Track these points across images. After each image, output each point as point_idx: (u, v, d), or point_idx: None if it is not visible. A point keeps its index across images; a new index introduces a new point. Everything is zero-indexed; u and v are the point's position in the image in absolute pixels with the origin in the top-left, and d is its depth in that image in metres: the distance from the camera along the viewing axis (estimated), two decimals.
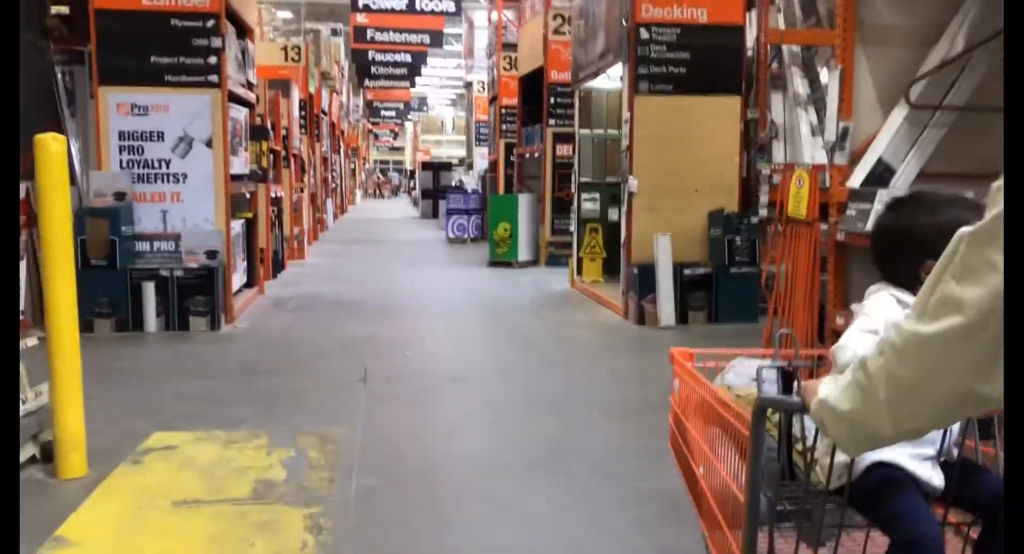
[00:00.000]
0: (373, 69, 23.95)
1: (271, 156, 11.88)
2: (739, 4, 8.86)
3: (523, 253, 13.96)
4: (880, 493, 1.95)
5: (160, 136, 8.07)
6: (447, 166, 29.46)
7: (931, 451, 2.03)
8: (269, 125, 11.95)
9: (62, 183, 4.10)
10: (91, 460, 4.27)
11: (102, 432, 4.72)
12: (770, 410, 1.98)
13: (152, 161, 8.08)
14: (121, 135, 8.05)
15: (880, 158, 4.81)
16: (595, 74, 10.49)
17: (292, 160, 14.55)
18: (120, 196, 7.96)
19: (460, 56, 30.82)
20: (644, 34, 8.65)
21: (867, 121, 4.96)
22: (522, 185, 15.52)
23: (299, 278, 12.20)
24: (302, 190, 15.84)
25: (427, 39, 21.99)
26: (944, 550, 1.89)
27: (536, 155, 14.52)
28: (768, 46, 8.73)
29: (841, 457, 1.93)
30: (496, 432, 5.22)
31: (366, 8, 18.39)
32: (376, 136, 58.36)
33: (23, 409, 4.28)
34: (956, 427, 2.03)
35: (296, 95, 15.58)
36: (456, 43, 30.26)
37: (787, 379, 2.03)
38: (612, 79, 10.62)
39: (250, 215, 9.96)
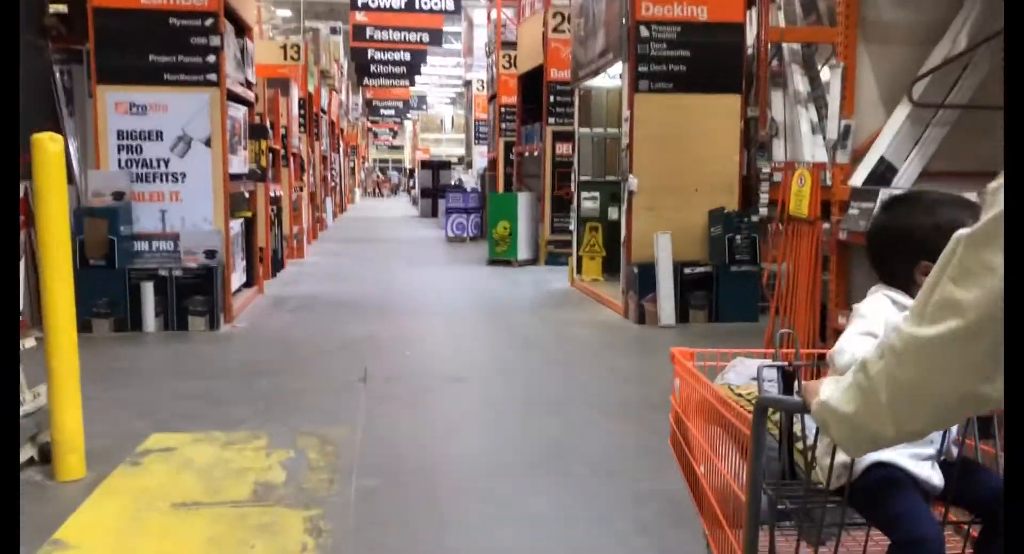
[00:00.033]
0: (372, 67, 23.91)
1: (270, 155, 11.85)
2: (739, 2, 8.83)
3: (522, 252, 13.93)
4: (880, 493, 1.95)
5: (159, 135, 8.04)
6: (446, 165, 29.44)
7: (930, 451, 2.02)
8: (268, 124, 11.92)
9: (59, 183, 4.08)
10: (89, 461, 4.25)
11: (101, 433, 4.69)
12: (771, 409, 1.99)
13: (151, 160, 8.06)
14: (119, 134, 8.02)
15: (882, 157, 4.79)
16: (595, 72, 10.46)
17: (291, 159, 14.52)
18: (119, 196, 7.93)
19: (459, 54, 30.80)
20: (644, 32, 8.62)
21: (869, 119, 4.94)
22: (521, 184, 15.49)
23: (298, 277, 12.17)
24: (301, 189, 15.82)
25: (426, 37, 21.96)
26: (944, 550, 1.88)
27: (536, 154, 14.50)
28: (768, 44, 8.70)
29: (841, 457, 1.93)
30: (496, 432, 5.20)
31: (365, 6, 18.36)
32: (375, 134, 58.34)
33: (21, 410, 4.25)
34: (956, 426, 2.03)
35: (295, 94, 15.55)
36: (455, 41, 30.24)
37: (788, 379, 2.06)
38: (612, 77, 10.60)
39: (249, 214, 9.93)
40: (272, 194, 11.79)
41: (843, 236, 4.74)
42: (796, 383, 2.07)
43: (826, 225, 4.95)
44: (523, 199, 14.09)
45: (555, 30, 13.24)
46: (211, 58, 8.07)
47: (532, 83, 14.63)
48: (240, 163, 9.18)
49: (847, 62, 4.82)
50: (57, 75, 8.57)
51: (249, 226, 9.91)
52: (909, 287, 1.99)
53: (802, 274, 5.17)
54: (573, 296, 10.70)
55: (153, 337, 7.76)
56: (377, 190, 53.76)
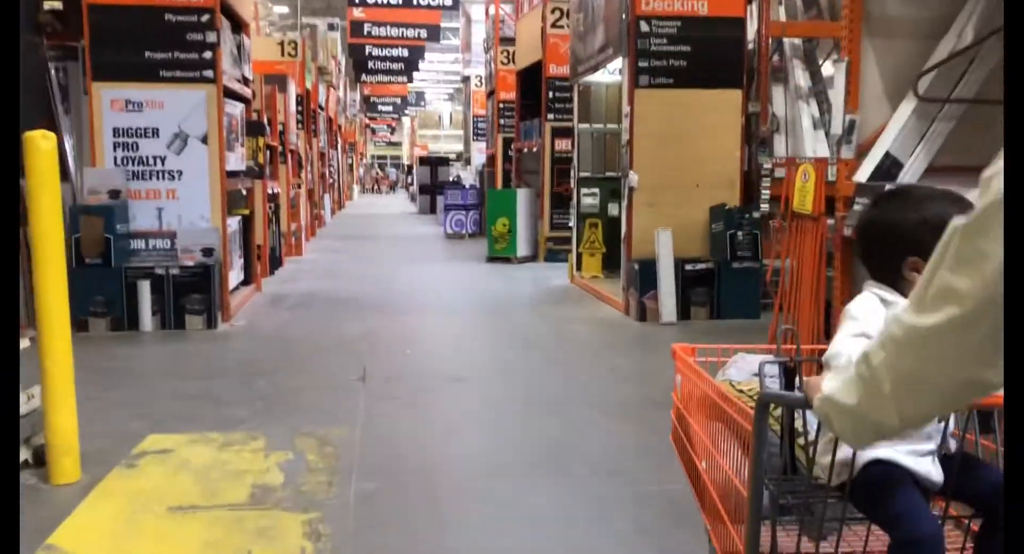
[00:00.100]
0: (370, 64, 23.82)
1: (267, 152, 11.78)
2: None
3: (522, 249, 13.87)
4: (879, 491, 1.95)
5: (155, 132, 7.97)
6: (445, 161, 29.38)
7: (929, 447, 2.01)
8: (265, 121, 11.85)
9: (52, 181, 4.01)
10: (85, 464, 4.19)
11: (96, 434, 4.64)
12: (772, 405, 1.98)
13: (147, 158, 7.99)
14: (115, 132, 7.95)
15: (887, 152, 4.73)
16: (594, 68, 10.39)
17: (289, 156, 14.45)
18: (115, 194, 7.86)
19: (457, 50, 30.71)
20: (644, 27, 8.55)
21: (874, 114, 4.88)
22: (520, 180, 15.43)
23: (296, 275, 12.11)
24: (299, 186, 15.75)
25: (424, 33, 21.87)
26: (944, 550, 1.88)
27: (534, 150, 14.43)
28: (769, 39, 8.64)
29: (841, 455, 1.93)
30: (496, 432, 5.14)
31: (363, 3, 18.30)
32: (373, 131, 58.26)
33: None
34: (954, 421, 2.03)
35: (293, 90, 15.48)
36: (453, 37, 30.14)
37: (789, 375, 2.06)
38: (611, 73, 10.53)
39: (247, 212, 9.87)
40: (270, 191, 11.72)
41: (848, 232, 4.68)
42: (798, 379, 2.07)
43: (830, 221, 4.89)
44: (522, 195, 14.03)
45: (554, 25, 13.16)
46: (207, 54, 8.00)
47: (531, 79, 14.56)
48: (237, 160, 9.11)
49: (852, 56, 4.76)
50: (52, 72, 8.50)
51: (247, 223, 9.85)
52: (898, 283, 1.98)
53: (806, 271, 5.11)
54: (573, 293, 10.64)
55: (150, 336, 7.70)
56: (376, 187, 53.65)
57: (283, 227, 13.19)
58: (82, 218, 7.64)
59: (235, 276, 9.14)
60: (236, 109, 9.09)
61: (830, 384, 1.50)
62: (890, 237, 2.01)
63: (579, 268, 11.41)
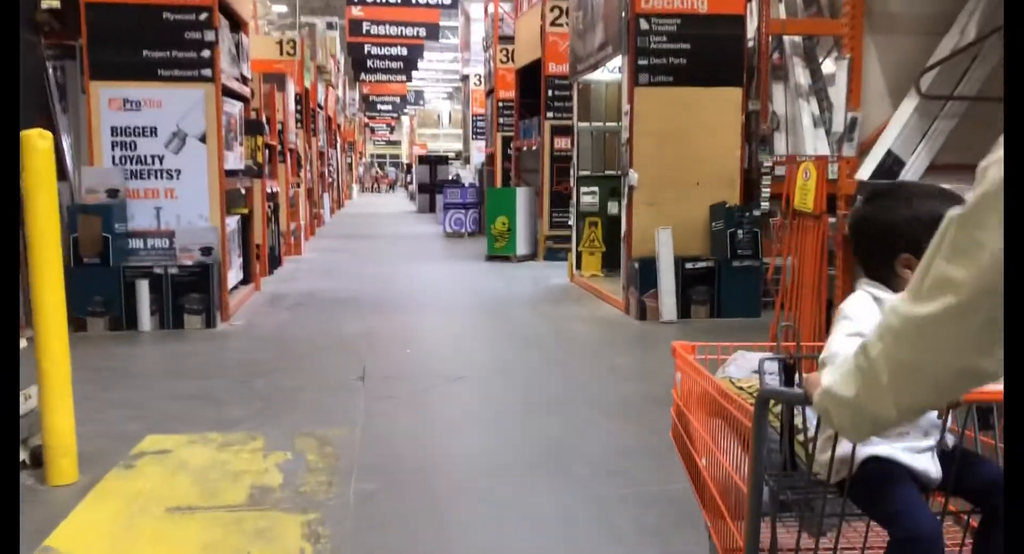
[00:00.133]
0: (369, 62, 23.80)
1: (266, 151, 11.75)
2: None
3: (521, 247, 13.84)
4: (877, 488, 1.95)
5: (153, 131, 7.94)
6: (444, 160, 29.35)
7: (927, 443, 2.02)
8: (264, 120, 11.82)
9: (49, 180, 3.98)
10: (82, 464, 4.16)
11: (94, 435, 4.62)
12: (772, 402, 1.99)
13: (145, 157, 7.96)
14: (113, 131, 7.92)
15: (889, 150, 4.70)
16: (594, 66, 10.36)
17: (288, 155, 14.42)
18: (113, 193, 7.83)
19: (456, 49, 30.67)
20: (644, 25, 8.52)
21: (876, 111, 4.85)
22: (520, 179, 15.40)
23: (296, 274, 12.08)
24: (298, 185, 15.71)
25: (423, 32, 21.84)
26: (943, 546, 1.88)
27: (534, 148, 14.40)
28: (769, 36, 8.61)
29: (839, 452, 1.93)
30: (496, 431, 5.11)
31: (361, 1, 18.25)
32: (372, 130, 58.21)
33: None
34: (951, 416, 2.04)
35: (292, 89, 15.44)
36: (452, 36, 30.10)
37: (789, 371, 2.06)
38: (611, 71, 10.50)
39: (245, 211, 9.84)
40: (269, 190, 11.69)
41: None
42: (797, 375, 2.07)
43: (832, 219, 4.87)
44: (521, 194, 14.00)
45: (553, 24, 13.13)
46: (206, 53, 7.96)
47: (530, 77, 14.53)
48: (236, 159, 9.08)
49: (853, 53, 4.73)
50: (50, 71, 8.46)
51: (245, 223, 9.82)
52: (890, 280, 1.99)
53: (808, 269, 5.09)
54: (573, 292, 10.61)
55: (148, 336, 7.67)
56: (375, 185, 53.59)
57: (282, 226, 13.16)
58: (80, 217, 7.61)
59: (234, 275, 9.11)
60: (235, 108, 9.06)
61: (829, 377, 1.51)
62: (882, 234, 2.02)
63: (579, 267, 11.38)
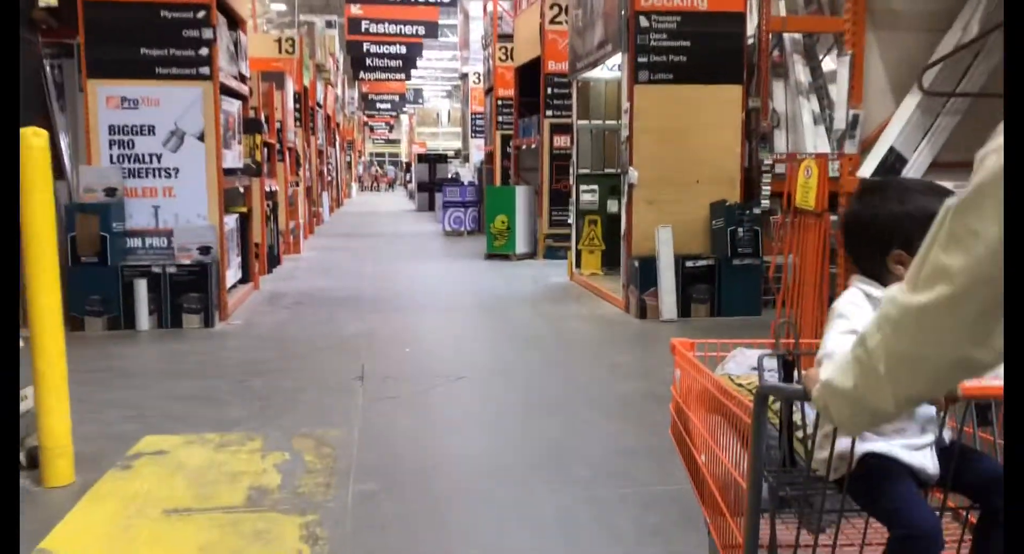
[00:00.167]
0: (368, 61, 23.77)
1: (265, 149, 11.71)
2: None
3: (521, 246, 13.81)
4: (876, 485, 1.95)
5: (151, 130, 7.90)
6: (443, 158, 29.30)
7: (925, 440, 2.02)
8: (263, 118, 11.77)
9: (44, 179, 3.94)
10: (79, 466, 4.12)
11: (91, 435, 4.59)
12: (771, 398, 2.01)
13: (143, 155, 7.92)
14: (111, 129, 7.88)
15: (892, 147, 4.67)
16: (593, 64, 10.32)
17: (287, 153, 14.38)
18: (111, 191, 7.79)
19: (455, 48, 30.62)
20: (644, 22, 8.48)
21: (877, 108, 4.82)
22: (519, 177, 15.36)
23: (294, 273, 12.05)
24: (297, 184, 15.67)
25: (422, 30, 21.81)
26: (943, 542, 1.87)
27: (533, 147, 14.36)
28: (769, 34, 8.59)
29: (838, 449, 1.94)
30: (496, 432, 5.08)
31: None
32: (371, 129, 58.16)
33: None
34: (946, 412, 2.03)
35: (291, 88, 15.40)
36: (451, 35, 30.06)
37: (788, 368, 2.11)
38: (611, 69, 10.47)
39: (244, 209, 9.80)
40: (268, 189, 11.65)
41: None
42: (796, 372, 2.09)
43: (834, 217, 4.83)
44: (521, 192, 13.96)
45: (552, 21, 13.09)
46: (204, 51, 7.92)
47: (529, 75, 14.49)
48: (234, 158, 9.04)
49: (855, 50, 4.69)
50: (47, 69, 8.43)
51: (244, 221, 9.78)
52: (882, 276, 1.99)
53: (809, 267, 5.05)
54: (572, 290, 10.58)
55: (147, 335, 7.63)
56: (375, 184, 53.53)
57: (281, 225, 13.13)
58: (78, 216, 7.57)
59: (233, 274, 9.08)
60: (233, 106, 9.02)
61: (828, 370, 1.52)
62: (873, 230, 2.01)
63: (578, 265, 11.34)
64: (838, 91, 4.88)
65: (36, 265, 3.95)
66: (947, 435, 2.05)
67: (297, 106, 16.38)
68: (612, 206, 11.04)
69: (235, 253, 9.28)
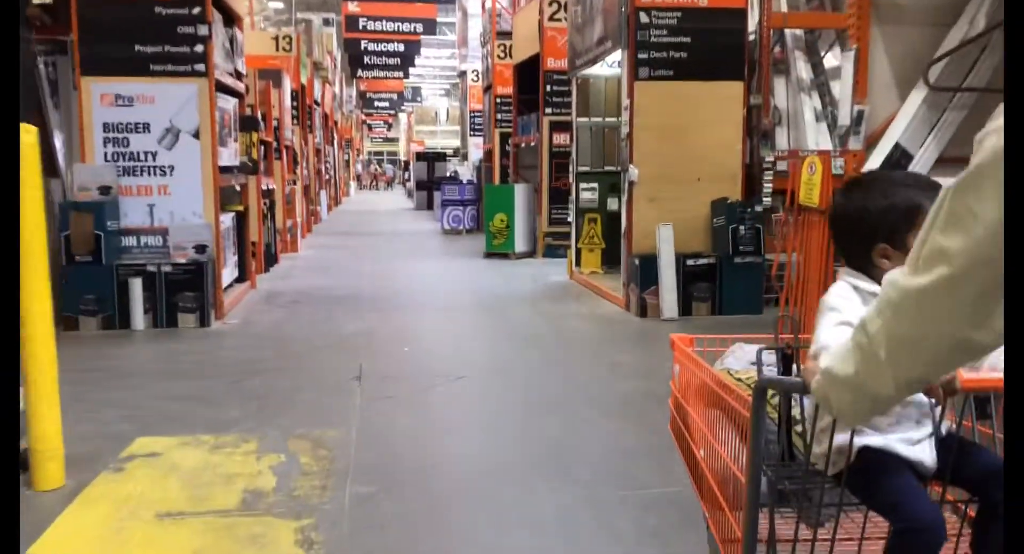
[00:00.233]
0: (366, 59, 23.69)
1: (262, 147, 11.63)
2: None
3: (520, 244, 13.73)
4: (874, 480, 1.95)
5: (146, 127, 7.82)
6: (442, 157, 29.22)
7: (921, 433, 2.01)
8: (259, 116, 11.70)
9: (34, 176, 3.86)
10: (71, 468, 4.05)
11: (84, 437, 4.52)
12: (770, 393, 2.00)
13: (138, 153, 7.84)
14: (105, 127, 7.79)
15: (897, 142, 4.60)
16: (593, 61, 10.25)
17: (284, 151, 14.30)
18: (105, 190, 7.71)
19: (454, 46, 30.54)
20: (644, 18, 8.40)
21: (883, 104, 4.75)
22: (518, 175, 15.29)
23: (292, 272, 11.97)
24: (295, 182, 15.59)
25: (420, 28, 21.74)
26: (945, 534, 1.87)
27: (532, 144, 14.28)
28: (770, 30, 8.52)
29: (836, 443, 1.93)
30: (496, 432, 5.01)
31: None
32: (370, 127, 58.07)
33: None
34: (943, 406, 2.00)
35: (288, 85, 15.32)
36: (450, 32, 29.98)
37: (787, 362, 2.12)
38: (610, 66, 10.39)
39: (241, 208, 9.72)
40: (264, 187, 11.58)
41: None
42: (795, 366, 2.08)
43: None
44: (520, 191, 13.88)
45: (551, 18, 13.02)
46: (199, 48, 7.84)
47: (528, 73, 14.41)
48: (230, 156, 8.96)
49: (860, 44, 4.62)
50: (41, 67, 8.34)
51: (241, 220, 9.70)
52: (869, 270, 1.99)
53: (813, 265, 4.98)
54: (572, 289, 10.51)
55: (142, 335, 7.55)
56: (374, 183, 53.42)
57: (278, 223, 13.05)
58: (72, 215, 7.49)
59: (229, 273, 9.00)
60: (229, 104, 8.94)
61: (827, 359, 1.52)
62: (859, 224, 2.02)
63: (578, 264, 11.27)
64: (842, 86, 4.81)
65: (26, 265, 3.86)
66: (945, 428, 2.04)
67: (294, 104, 16.31)
68: (612, 204, 10.97)
69: (231, 252, 9.20)
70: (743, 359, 2.51)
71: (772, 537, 2.02)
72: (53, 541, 3.45)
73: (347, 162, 40.32)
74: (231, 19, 9.18)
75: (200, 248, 7.81)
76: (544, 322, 8.52)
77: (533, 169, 14.42)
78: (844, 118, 4.71)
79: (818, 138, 8.23)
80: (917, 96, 4.61)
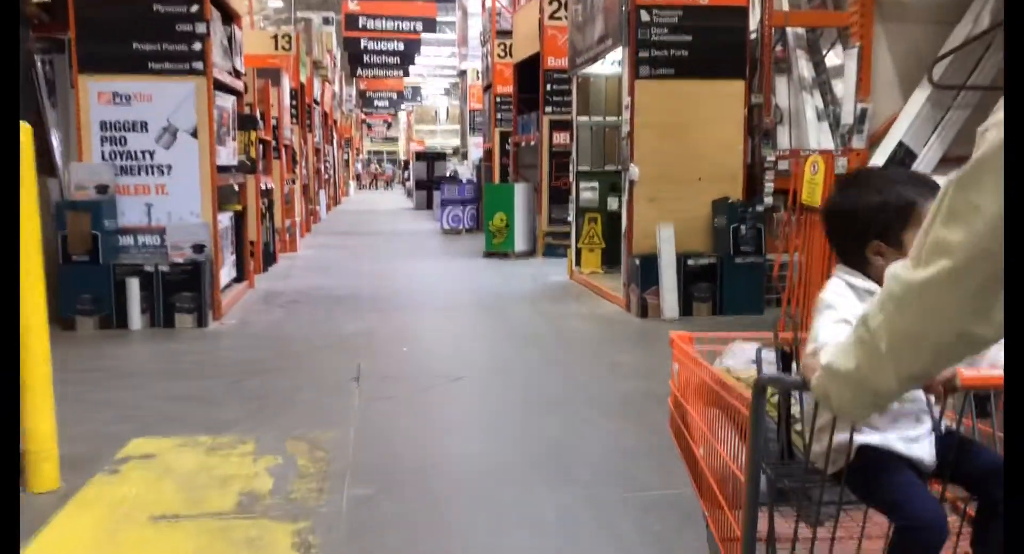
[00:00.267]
0: (366, 57, 23.64)
1: (261, 146, 11.58)
2: None
3: (520, 244, 13.69)
4: (874, 478, 1.94)
5: (143, 126, 7.77)
6: (441, 156, 29.18)
7: (919, 431, 2.00)
8: (258, 115, 11.65)
9: (28, 176, 3.82)
10: (65, 470, 4.00)
11: (79, 438, 4.46)
12: (770, 392, 1.99)
13: (135, 152, 7.79)
14: (103, 125, 7.74)
15: (901, 141, 4.56)
16: (594, 59, 10.20)
17: (283, 150, 14.25)
18: (102, 189, 7.65)
19: (454, 45, 30.50)
20: (645, 16, 8.35)
21: (886, 102, 4.70)
22: (518, 174, 15.24)
23: (290, 271, 11.93)
24: (294, 181, 15.55)
25: (420, 27, 21.70)
26: (947, 530, 1.86)
27: (532, 144, 14.24)
28: (772, 28, 8.47)
29: (835, 442, 1.91)
30: (495, 433, 4.96)
31: None
32: (369, 126, 58.03)
33: None
34: (940, 402, 2.00)
35: (287, 84, 15.28)
36: (450, 31, 29.94)
37: (786, 360, 2.11)
38: (611, 64, 10.35)
39: (239, 207, 9.67)
40: (263, 186, 11.53)
41: None
42: (795, 364, 2.08)
43: None
44: (520, 190, 13.84)
45: (551, 17, 12.97)
46: (197, 46, 7.79)
47: (529, 72, 14.36)
48: (229, 154, 8.92)
49: (863, 42, 4.57)
50: (39, 65, 8.30)
51: (239, 219, 9.65)
52: (864, 267, 1.99)
53: (816, 265, 4.93)
54: (572, 289, 10.46)
55: (139, 335, 7.50)
56: (374, 182, 53.35)
57: (277, 223, 13.00)
58: (68, 214, 7.44)
59: (227, 273, 8.96)
60: (227, 102, 8.90)
61: (829, 354, 1.51)
62: (852, 221, 2.02)
63: (578, 263, 11.22)
64: (845, 84, 4.77)
65: (21, 265, 3.82)
66: (944, 426, 2.03)
67: (293, 103, 16.27)
68: (612, 203, 10.92)
69: (229, 251, 9.16)
70: (742, 358, 2.49)
71: (771, 536, 2.01)
72: (46, 544, 3.40)
73: (346, 161, 40.28)
74: (229, 17, 9.13)
75: (198, 248, 7.76)
76: (544, 322, 8.48)
77: (533, 168, 14.37)
78: (847, 116, 4.66)
79: (820, 137, 8.19)
80: (921, 94, 4.56)
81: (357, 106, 43.89)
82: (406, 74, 27.77)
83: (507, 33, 16.44)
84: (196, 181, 7.83)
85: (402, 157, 54.39)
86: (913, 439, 1.99)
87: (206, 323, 7.75)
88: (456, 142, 38.61)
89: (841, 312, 1.91)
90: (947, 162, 4.57)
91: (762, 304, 8.28)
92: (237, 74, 9.44)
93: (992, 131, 1.12)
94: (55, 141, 8.37)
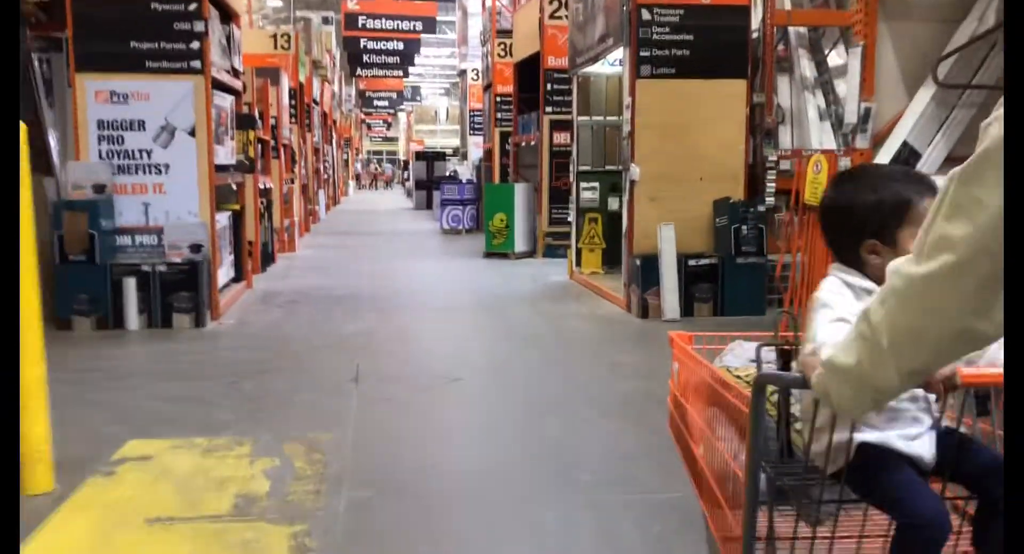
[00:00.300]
0: (365, 57, 23.60)
1: (259, 146, 11.54)
2: None
3: (520, 244, 13.64)
4: (874, 476, 1.93)
5: (141, 125, 7.71)
6: (441, 156, 29.14)
7: (918, 429, 1.99)
8: (257, 114, 11.60)
9: (23, 175, 3.77)
10: (60, 472, 3.95)
11: (75, 439, 4.42)
12: (769, 390, 1.98)
13: (133, 151, 7.73)
14: (100, 124, 7.69)
15: (905, 141, 4.51)
16: (594, 59, 10.16)
17: (281, 150, 14.21)
18: (99, 188, 7.60)
19: (453, 45, 30.46)
20: (646, 15, 8.30)
21: (890, 101, 4.66)
22: (518, 174, 15.20)
23: (289, 271, 11.88)
24: (292, 181, 15.50)
25: (420, 26, 21.66)
26: (950, 527, 1.85)
27: (533, 144, 14.20)
28: (774, 27, 8.43)
29: (834, 441, 1.90)
30: (495, 434, 4.92)
31: None
32: (369, 126, 58.00)
33: None
34: (940, 400, 2.00)
35: (286, 84, 15.24)
36: (450, 31, 29.90)
37: (786, 358, 2.09)
38: (611, 64, 10.31)
39: (237, 207, 9.62)
40: (261, 186, 11.48)
41: None
42: (794, 362, 2.03)
43: None
44: (520, 190, 13.79)
45: (552, 16, 12.93)
46: (195, 44, 7.74)
47: (529, 71, 14.32)
48: (227, 154, 8.87)
49: (867, 40, 4.53)
50: (36, 64, 8.25)
51: (237, 219, 9.61)
52: (859, 265, 1.98)
53: (818, 266, 4.89)
54: (572, 289, 10.42)
55: (136, 335, 7.46)
56: (373, 182, 53.30)
57: (275, 223, 12.96)
58: (65, 214, 7.39)
59: (225, 273, 8.91)
60: (226, 101, 8.85)
61: (830, 351, 1.49)
62: (847, 219, 2.00)
63: (578, 264, 11.18)
64: (848, 83, 4.72)
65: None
66: (944, 424, 2.03)
67: (293, 103, 16.22)
68: (613, 203, 10.88)
69: (227, 251, 9.11)
70: (742, 356, 2.49)
71: (771, 535, 2.01)
72: (40, 547, 3.36)
73: (346, 161, 40.23)
74: (228, 16, 9.08)
75: (196, 247, 7.71)
76: (544, 322, 8.44)
77: (533, 168, 14.32)
78: (851, 116, 4.61)
79: (822, 137, 8.14)
80: (925, 93, 4.52)
81: (357, 106, 43.86)
82: (406, 74, 27.73)
83: (507, 32, 16.39)
84: (194, 180, 7.78)
85: (402, 157, 54.36)
86: (913, 437, 1.97)
87: (204, 323, 7.70)
88: (456, 142, 38.58)
89: (837, 311, 1.89)
90: (952, 161, 4.51)
91: (764, 305, 8.23)
92: (236, 73, 9.40)
93: (995, 126, 1.11)
94: (52, 140, 8.31)
